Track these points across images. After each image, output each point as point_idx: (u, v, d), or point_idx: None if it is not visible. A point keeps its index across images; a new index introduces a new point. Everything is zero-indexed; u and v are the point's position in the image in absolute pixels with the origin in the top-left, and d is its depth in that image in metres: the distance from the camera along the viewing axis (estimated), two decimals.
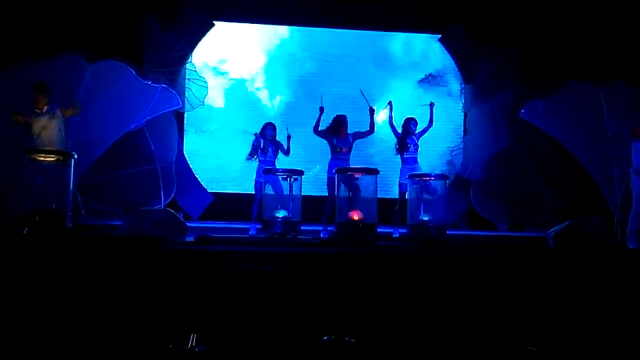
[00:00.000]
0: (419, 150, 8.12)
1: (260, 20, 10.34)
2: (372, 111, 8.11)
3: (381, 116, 8.65)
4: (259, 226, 7.52)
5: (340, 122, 7.89)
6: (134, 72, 8.36)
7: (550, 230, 7.30)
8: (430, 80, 10.17)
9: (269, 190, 7.54)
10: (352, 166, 7.77)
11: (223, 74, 10.03)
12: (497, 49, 9.79)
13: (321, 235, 7.63)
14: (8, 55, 8.21)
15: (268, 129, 7.97)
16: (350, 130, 7.95)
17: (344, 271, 5.27)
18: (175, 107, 8.84)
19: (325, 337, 4.42)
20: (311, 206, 8.01)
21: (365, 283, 5.10)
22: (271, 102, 10.30)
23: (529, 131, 9.43)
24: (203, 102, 9.34)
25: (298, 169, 7.47)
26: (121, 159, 8.86)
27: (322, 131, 7.94)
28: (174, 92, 8.72)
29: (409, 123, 8.12)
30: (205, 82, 9.37)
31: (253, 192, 7.93)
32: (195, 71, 9.33)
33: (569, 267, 5.50)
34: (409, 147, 8.03)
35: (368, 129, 8.04)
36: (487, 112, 9.78)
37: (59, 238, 6.01)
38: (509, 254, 6.18)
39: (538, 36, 9.96)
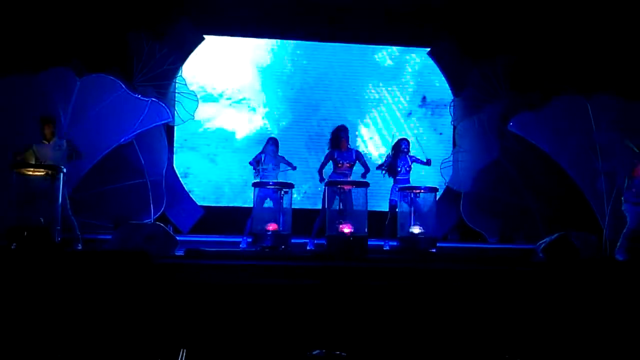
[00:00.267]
0: (411, 171, 7.96)
1: (250, 34, 10.40)
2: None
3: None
4: (250, 240, 7.50)
5: (339, 132, 7.72)
6: (123, 86, 8.35)
7: (540, 242, 7.34)
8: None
9: (268, 204, 7.51)
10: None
11: (215, 96, 10.13)
12: (486, 62, 9.87)
13: (307, 248, 7.63)
14: None
15: (269, 144, 7.94)
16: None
17: (335, 284, 5.26)
18: (165, 121, 8.83)
19: (317, 351, 4.40)
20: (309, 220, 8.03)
21: (355, 296, 5.09)
22: (267, 119, 10.44)
23: (517, 143, 9.49)
24: (193, 115, 9.33)
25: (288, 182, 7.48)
26: (111, 173, 8.84)
27: (323, 165, 7.78)
28: (164, 105, 8.71)
29: (401, 143, 8.00)
30: (195, 95, 9.38)
31: (246, 206, 7.92)
32: (185, 85, 9.33)
33: (559, 279, 5.52)
34: (399, 170, 7.86)
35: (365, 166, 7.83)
36: (476, 125, 9.83)
37: (48, 253, 5.96)
38: (499, 266, 6.19)
39: (527, 49, 10.06)
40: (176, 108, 9.24)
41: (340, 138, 7.70)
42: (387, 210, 8.05)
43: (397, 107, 10.70)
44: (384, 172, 7.96)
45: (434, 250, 7.38)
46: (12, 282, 4.78)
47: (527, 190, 9.69)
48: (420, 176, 8.54)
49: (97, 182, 8.71)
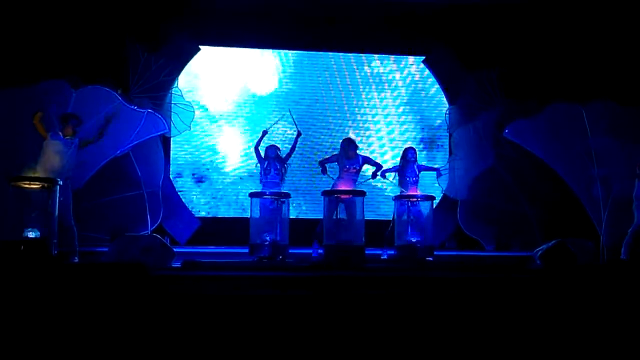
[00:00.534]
0: (419, 182, 8.01)
1: (246, 44, 10.42)
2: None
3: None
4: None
5: (349, 144, 7.84)
6: (119, 97, 8.36)
7: (537, 249, 7.35)
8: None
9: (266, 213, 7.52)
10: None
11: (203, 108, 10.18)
12: (481, 70, 9.90)
13: (313, 256, 7.63)
14: None
15: (270, 150, 7.98)
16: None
17: (332, 294, 5.25)
18: (162, 132, 8.84)
19: None
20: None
21: (353, 305, 5.08)
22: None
23: (513, 150, 9.51)
24: (189, 126, 9.34)
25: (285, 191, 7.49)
26: (107, 185, 8.82)
27: (327, 160, 7.97)
28: (160, 116, 8.72)
29: (407, 152, 8.04)
30: (192, 106, 9.39)
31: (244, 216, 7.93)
32: (181, 96, 9.33)
33: (557, 285, 5.51)
34: (407, 180, 7.87)
35: (359, 161, 7.94)
36: (471, 133, 9.85)
37: (44, 267, 5.94)
38: (496, 274, 6.18)
39: (522, 57, 10.10)
40: (172, 119, 9.25)
41: (349, 149, 7.82)
42: (384, 219, 8.06)
43: (392, 117, 10.71)
44: (391, 178, 8.14)
45: (431, 259, 7.38)
46: (7, 296, 4.76)
47: (523, 197, 9.70)
48: (420, 185, 8.57)
49: (93, 194, 8.68)
